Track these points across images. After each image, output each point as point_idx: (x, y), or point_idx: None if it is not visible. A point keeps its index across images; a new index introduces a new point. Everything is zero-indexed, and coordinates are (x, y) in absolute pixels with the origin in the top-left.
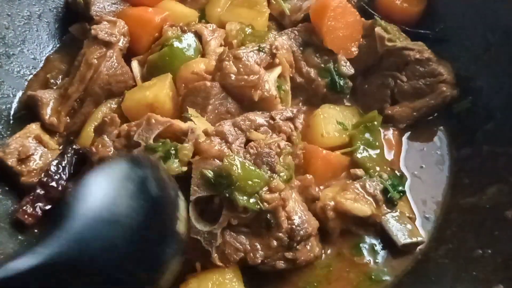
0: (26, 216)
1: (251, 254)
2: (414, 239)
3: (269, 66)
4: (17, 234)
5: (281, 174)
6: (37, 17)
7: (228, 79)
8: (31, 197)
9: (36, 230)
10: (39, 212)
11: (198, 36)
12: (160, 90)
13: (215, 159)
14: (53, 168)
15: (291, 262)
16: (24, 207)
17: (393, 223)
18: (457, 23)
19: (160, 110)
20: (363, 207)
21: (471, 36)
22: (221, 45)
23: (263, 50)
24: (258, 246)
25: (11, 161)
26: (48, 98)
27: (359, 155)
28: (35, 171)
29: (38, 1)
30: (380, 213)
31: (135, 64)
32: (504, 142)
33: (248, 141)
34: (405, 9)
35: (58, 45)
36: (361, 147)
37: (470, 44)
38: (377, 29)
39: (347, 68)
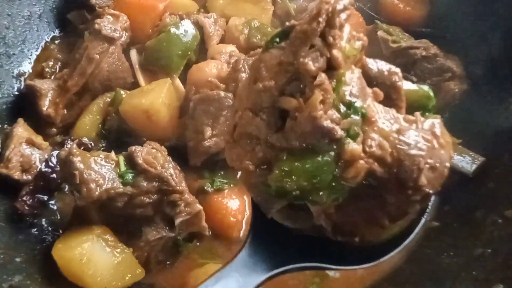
0: (25, 207)
1: None
2: (478, 162)
3: None
4: (17, 234)
5: (346, 138)
6: (37, 17)
7: None
8: (31, 188)
9: (35, 231)
10: (37, 203)
11: (199, 26)
12: (156, 98)
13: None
14: (53, 160)
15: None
16: (24, 197)
17: (454, 157)
18: (460, 27)
19: (156, 117)
20: None
21: (474, 43)
22: (222, 36)
23: None
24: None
25: (17, 175)
26: (46, 89)
27: None
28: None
29: (39, 1)
30: None
31: (133, 52)
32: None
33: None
34: (408, 12)
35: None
36: None
37: (472, 48)
38: (380, 33)
39: None
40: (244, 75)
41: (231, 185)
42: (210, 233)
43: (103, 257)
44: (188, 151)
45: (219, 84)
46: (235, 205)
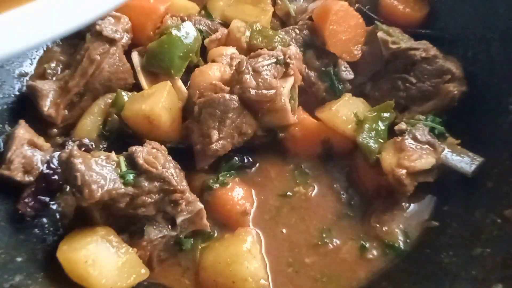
0: (26, 208)
1: None
2: (477, 162)
3: (283, 76)
4: (18, 234)
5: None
6: None
7: (247, 93)
8: (32, 189)
9: (37, 231)
10: (39, 204)
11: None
12: (156, 103)
13: None
14: (55, 161)
15: None
16: (26, 199)
17: (452, 157)
18: (460, 28)
19: (157, 122)
20: (428, 160)
21: (474, 43)
22: (224, 38)
23: (280, 63)
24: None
25: (19, 176)
26: (47, 90)
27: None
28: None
29: None
30: (439, 154)
31: (135, 55)
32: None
33: None
34: (407, 14)
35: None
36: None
37: (472, 49)
38: (380, 34)
39: (347, 74)
40: (248, 77)
41: (234, 178)
42: (216, 233)
43: (108, 258)
44: (195, 155)
45: (223, 87)
46: (240, 194)
